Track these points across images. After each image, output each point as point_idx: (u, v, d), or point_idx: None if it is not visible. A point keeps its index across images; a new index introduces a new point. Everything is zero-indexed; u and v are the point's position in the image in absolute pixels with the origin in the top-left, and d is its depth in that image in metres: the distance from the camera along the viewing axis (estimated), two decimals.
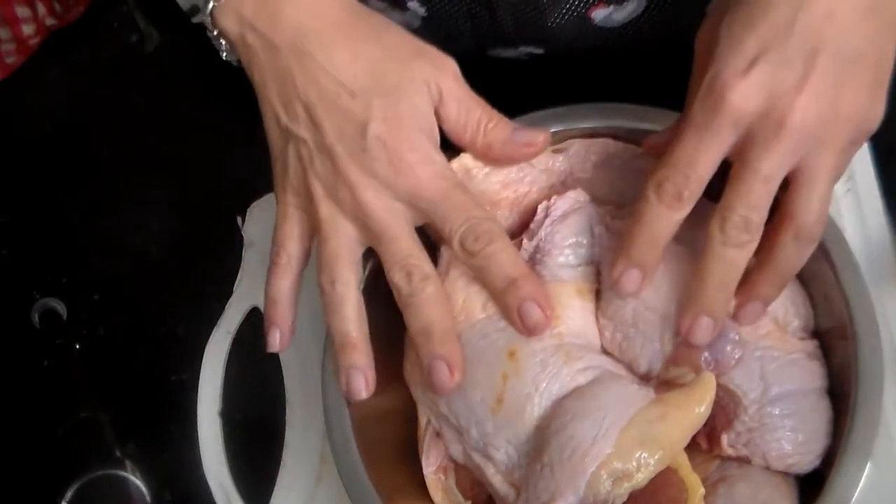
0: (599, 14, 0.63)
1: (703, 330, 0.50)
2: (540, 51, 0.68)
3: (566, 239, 0.55)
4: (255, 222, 0.69)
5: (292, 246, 0.53)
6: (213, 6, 0.52)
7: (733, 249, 0.48)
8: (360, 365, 0.52)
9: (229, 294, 0.68)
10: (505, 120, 0.53)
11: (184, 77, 0.79)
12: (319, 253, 0.52)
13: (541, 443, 0.49)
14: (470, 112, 0.52)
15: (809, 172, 0.47)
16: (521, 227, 0.57)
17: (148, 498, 0.66)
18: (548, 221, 0.55)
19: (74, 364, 0.71)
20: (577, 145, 0.58)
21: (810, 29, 0.45)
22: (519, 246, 0.55)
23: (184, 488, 0.65)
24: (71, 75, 0.81)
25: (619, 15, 0.63)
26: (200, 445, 0.64)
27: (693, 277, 0.50)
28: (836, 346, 0.54)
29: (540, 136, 0.53)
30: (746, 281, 0.50)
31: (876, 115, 0.47)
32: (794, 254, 0.49)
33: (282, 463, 0.64)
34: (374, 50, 0.51)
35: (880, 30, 0.46)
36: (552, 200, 0.56)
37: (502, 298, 0.51)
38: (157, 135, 0.78)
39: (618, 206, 0.57)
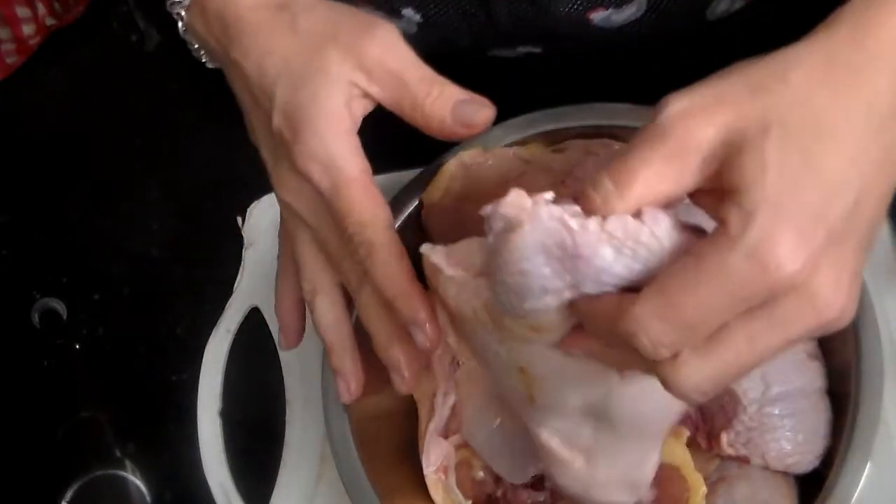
0: (598, 16, 0.63)
1: None
2: (538, 50, 0.68)
3: (514, 265, 0.39)
4: (255, 222, 0.69)
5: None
6: (182, 29, 0.52)
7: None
8: (337, 367, 0.50)
9: (229, 294, 0.68)
10: (444, 93, 0.47)
11: (184, 77, 0.79)
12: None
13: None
14: (402, 88, 0.47)
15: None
16: None
17: (148, 498, 0.66)
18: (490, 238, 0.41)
19: (74, 364, 0.71)
20: (576, 145, 0.58)
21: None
22: None
23: (184, 488, 0.65)
24: (71, 75, 0.81)
25: (619, 17, 0.63)
26: (200, 445, 0.64)
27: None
28: (836, 346, 0.54)
29: (479, 115, 0.47)
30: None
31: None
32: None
33: (282, 463, 0.64)
34: (287, 40, 0.48)
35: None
36: (487, 209, 0.40)
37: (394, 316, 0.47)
38: (157, 135, 0.78)
39: None
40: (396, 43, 0.48)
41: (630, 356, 0.37)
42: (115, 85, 0.80)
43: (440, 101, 0.47)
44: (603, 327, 0.38)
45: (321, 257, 0.50)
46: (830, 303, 0.36)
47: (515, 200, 0.38)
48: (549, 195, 0.38)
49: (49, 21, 0.80)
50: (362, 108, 0.48)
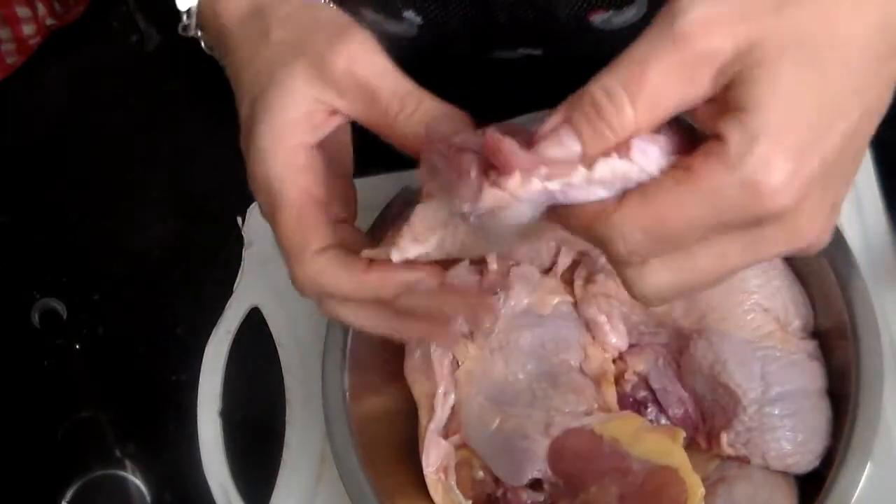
0: (599, 18, 0.63)
1: None
2: (538, 52, 0.68)
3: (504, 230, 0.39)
4: (255, 222, 0.69)
5: None
6: (204, 46, 0.52)
7: None
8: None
9: (229, 294, 0.68)
10: (420, 108, 0.43)
11: (184, 77, 0.79)
12: None
13: None
14: (373, 103, 0.43)
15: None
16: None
17: (148, 498, 0.66)
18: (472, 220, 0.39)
19: (74, 364, 0.71)
20: None
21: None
22: None
23: (184, 488, 0.65)
24: (71, 75, 0.81)
25: (619, 19, 0.63)
26: (200, 445, 0.64)
27: None
28: (836, 346, 0.54)
29: (459, 140, 0.40)
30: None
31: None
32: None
33: (282, 463, 0.64)
34: (261, 53, 0.46)
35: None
36: (462, 207, 0.38)
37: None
38: (157, 135, 0.78)
39: None
40: (369, 53, 0.44)
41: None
42: (115, 85, 0.80)
43: (415, 117, 0.43)
44: (580, 227, 0.37)
45: None
46: (807, 232, 0.36)
47: (491, 196, 0.36)
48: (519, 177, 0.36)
49: (49, 21, 0.80)
50: (329, 124, 0.45)
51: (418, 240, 0.42)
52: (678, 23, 0.36)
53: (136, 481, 0.66)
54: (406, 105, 0.43)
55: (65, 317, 0.73)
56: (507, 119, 0.58)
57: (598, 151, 0.36)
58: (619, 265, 0.37)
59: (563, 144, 0.36)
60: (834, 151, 0.35)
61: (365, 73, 0.43)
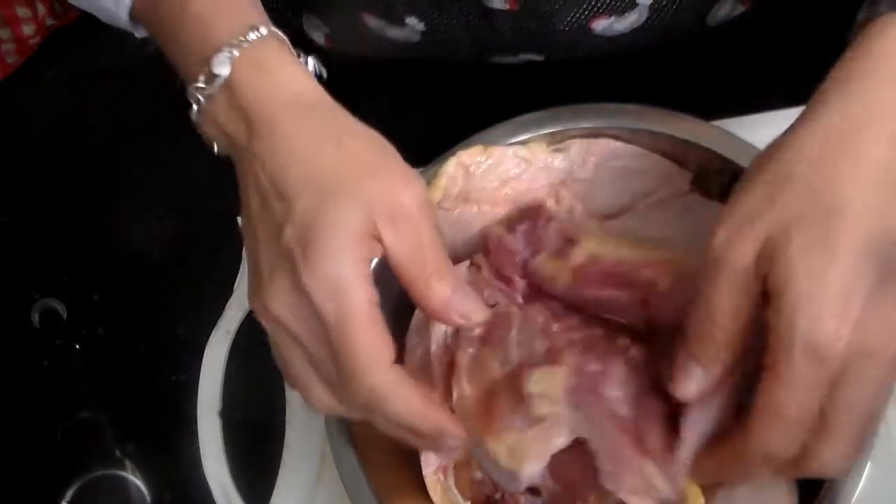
0: (600, 24, 0.63)
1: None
2: (540, 58, 0.68)
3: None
4: None
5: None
6: (195, 113, 0.49)
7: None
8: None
9: (229, 294, 0.68)
10: (450, 277, 0.45)
11: None
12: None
13: None
14: (420, 252, 0.44)
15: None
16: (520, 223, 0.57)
17: (148, 498, 0.66)
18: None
19: (74, 364, 0.71)
20: (577, 145, 0.58)
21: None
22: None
23: (184, 488, 0.65)
24: (71, 75, 0.81)
25: (621, 25, 0.63)
26: (200, 445, 0.64)
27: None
28: None
29: (478, 317, 0.46)
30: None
31: None
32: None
33: (282, 463, 0.64)
34: (326, 154, 0.45)
35: None
36: None
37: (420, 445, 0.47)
38: (156, 135, 0.78)
39: (608, 216, 0.57)
40: (430, 203, 0.46)
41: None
42: (115, 85, 0.80)
43: (441, 285, 0.45)
44: (734, 472, 0.44)
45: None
46: (887, 343, 0.39)
47: None
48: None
49: (49, 21, 0.80)
50: (377, 253, 0.45)
51: None
52: (710, 253, 0.42)
53: (136, 481, 0.66)
54: (439, 271, 0.45)
55: (65, 317, 0.73)
56: (505, 118, 0.58)
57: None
58: (795, 467, 0.42)
59: None
60: (870, 280, 0.39)
61: (421, 219, 0.44)
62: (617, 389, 0.47)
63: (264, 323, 0.46)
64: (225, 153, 0.50)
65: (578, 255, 0.51)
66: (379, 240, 0.44)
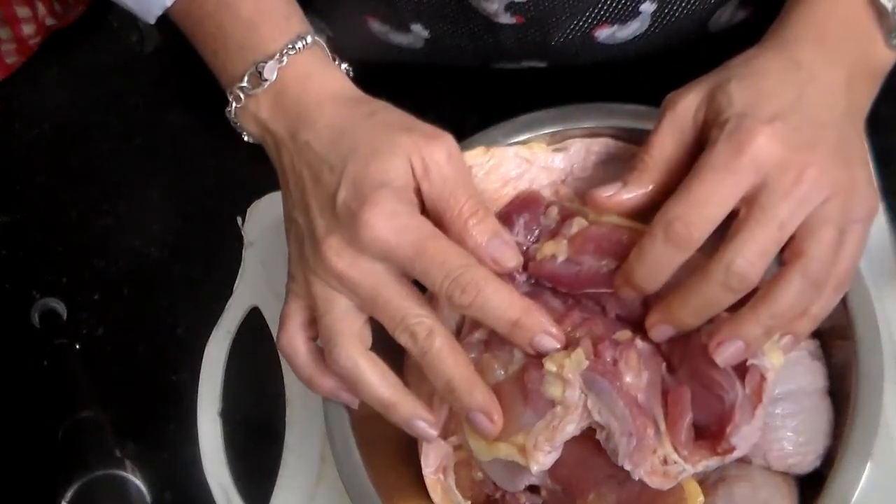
0: (603, 33, 0.63)
1: (661, 334, 0.50)
2: (542, 65, 0.68)
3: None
4: (254, 222, 0.69)
5: (298, 343, 0.53)
6: (235, 107, 0.54)
7: (727, 293, 0.47)
8: (409, 416, 0.51)
9: (229, 294, 0.68)
10: (488, 220, 0.50)
11: (184, 77, 0.79)
12: (320, 334, 0.51)
13: None
14: (453, 197, 0.49)
15: (821, 220, 0.47)
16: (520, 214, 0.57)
17: (148, 498, 0.66)
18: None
19: (74, 364, 0.71)
20: (577, 144, 0.58)
21: (814, 105, 0.49)
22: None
23: (184, 488, 0.65)
24: (71, 75, 0.81)
25: (623, 33, 0.63)
26: (200, 445, 0.64)
27: (675, 291, 0.49)
28: (836, 346, 0.54)
29: (510, 262, 0.50)
30: (733, 317, 0.48)
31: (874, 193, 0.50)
32: (795, 293, 0.47)
33: (282, 463, 0.64)
34: (364, 125, 0.51)
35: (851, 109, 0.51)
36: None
37: (512, 340, 0.49)
38: (156, 135, 0.78)
39: None
40: (459, 155, 0.50)
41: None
42: (115, 85, 0.80)
43: (481, 226, 0.49)
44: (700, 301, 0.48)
45: (354, 328, 0.50)
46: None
47: None
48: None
49: (49, 21, 0.80)
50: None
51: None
52: (664, 100, 0.52)
53: (136, 481, 0.66)
54: (476, 213, 0.49)
55: (65, 317, 0.72)
56: (506, 119, 0.58)
57: None
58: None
59: None
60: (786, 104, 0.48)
61: (454, 169, 0.50)
62: (633, 376, 0.49)
63: (316, 286, 0.50)
64: (258, 143, 0.55)
65: (575, 225, 0.53)
66: (417, 188, 0.49)
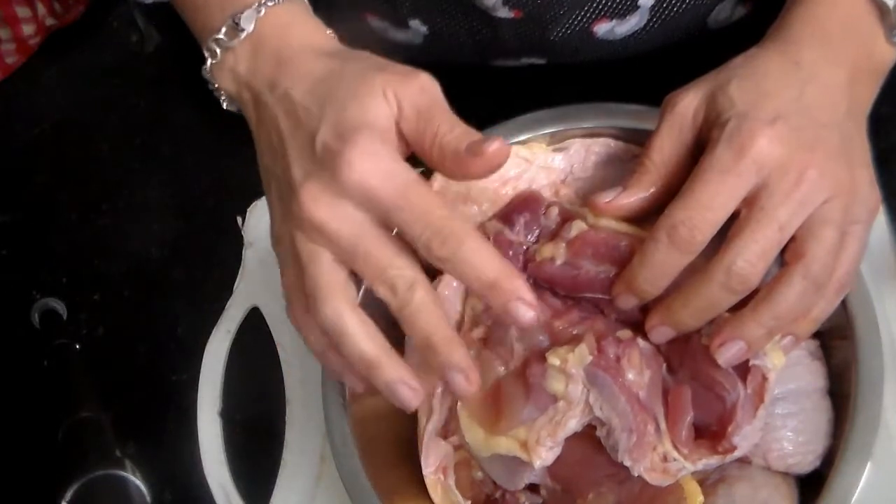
0: (602, 28, 0.63)
1: (662, 335, 0.50)
2: (542, 61, 0.68)
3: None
4: (255, 222, 0.69)
5: (308, 317, 0.49)
6: (211, 63, 0.53)
7: (728, 294, 0.47)
8: (393, 378, 0.48)
9: (229, 294, 0.68)
10: (464, 130, 0.47)
11: (184, 77, 0.79)
12: (305, 288, 0.49)
13: None
14: (429, 121, 0.47)
15: (822, 221, 0.47)
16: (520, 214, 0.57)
17: (148, 498, 0.66)
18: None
19: (74, 364, 0.71)
20: (577, 144, 0.58)
21: (815, 105, 0.49)
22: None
23: (184, 488, 0.65)
24: (71, 75, 0.81)
25: (622, 28, 0.63)
26: (200, 445, 0.64)
27: (676, 291, 0.49)
28: (836, 346, 0.54)
29: (491, 146, 0.46)
30: (735, 318, 0.48)
31: (875, 191, 0.51)
32: (796, 294, 0.47)
33: (282, 463, 0.64)
34: (343, 70, 0.49)
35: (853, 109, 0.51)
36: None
37: (488, 301, 0.47)
38: (156, 135, 0.78)
39: None
40: (434, 90, 0.48)
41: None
42: (115, 85, 0.80)
43: (455, 134, 0.47)
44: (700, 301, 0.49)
45: (337, 281, 0.48)
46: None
47: None
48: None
49: (49, 21, 0.80)
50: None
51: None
52: (662, 104, 0.52)
53: (136, 481, 0.66)
54: (452, 128, 0.47)
55: (65, 317, 0.72)
56: (506, 119, 0.58)
57: None
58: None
59: None
60: (790, 104, 0.49)
61: (428, 102, 0.48)
62: (635, 373, 0.49)
63: (297, 237, 0.48)
64: (235, 106, 0.54)
65: (574, 228, 0.53)
66: (402, 136, 0.48)
